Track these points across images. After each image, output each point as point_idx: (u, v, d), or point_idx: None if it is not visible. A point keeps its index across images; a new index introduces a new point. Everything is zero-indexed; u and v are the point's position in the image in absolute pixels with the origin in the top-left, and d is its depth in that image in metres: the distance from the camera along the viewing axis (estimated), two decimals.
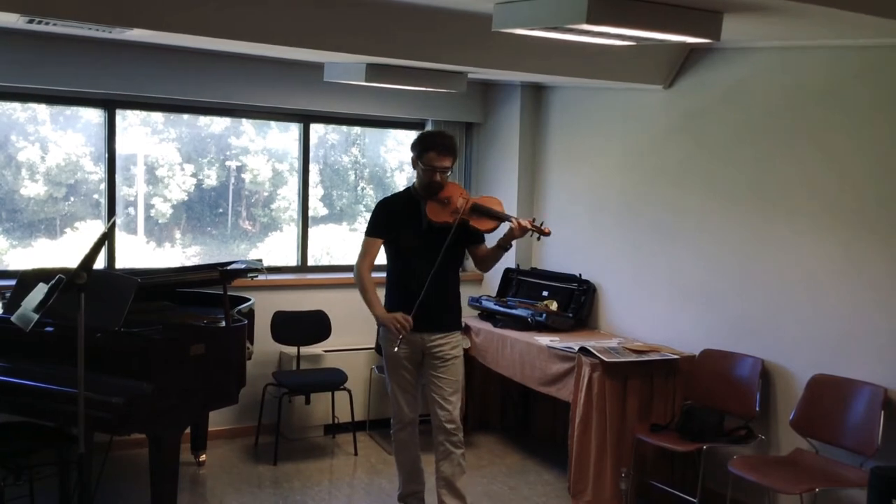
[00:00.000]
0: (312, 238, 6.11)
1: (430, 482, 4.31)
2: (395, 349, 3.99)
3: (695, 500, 4.32)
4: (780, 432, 4.33)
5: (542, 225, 3.99)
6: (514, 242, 4.03)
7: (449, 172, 4.05)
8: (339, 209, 6.40)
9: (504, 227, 4.03)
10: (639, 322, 5.25)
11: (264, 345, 5.48)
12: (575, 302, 5.57)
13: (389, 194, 4.39)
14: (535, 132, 6.11)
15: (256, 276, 4.84)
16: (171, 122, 5.78)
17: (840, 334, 4.06)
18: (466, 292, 6.01)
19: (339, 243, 6.36)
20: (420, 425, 4.27)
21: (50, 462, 3.96)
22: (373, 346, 5.77)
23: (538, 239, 4.07)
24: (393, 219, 4.07)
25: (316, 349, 5.71)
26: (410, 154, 4.08)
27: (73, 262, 3.23)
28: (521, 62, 4.65)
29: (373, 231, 4.11)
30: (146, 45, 4.91)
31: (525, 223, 3.93)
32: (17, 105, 5.26)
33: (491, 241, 4.17)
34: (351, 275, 6.02)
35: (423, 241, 4.01)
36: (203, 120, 5.86)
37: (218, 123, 5.91)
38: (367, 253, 4.11)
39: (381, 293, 4.13)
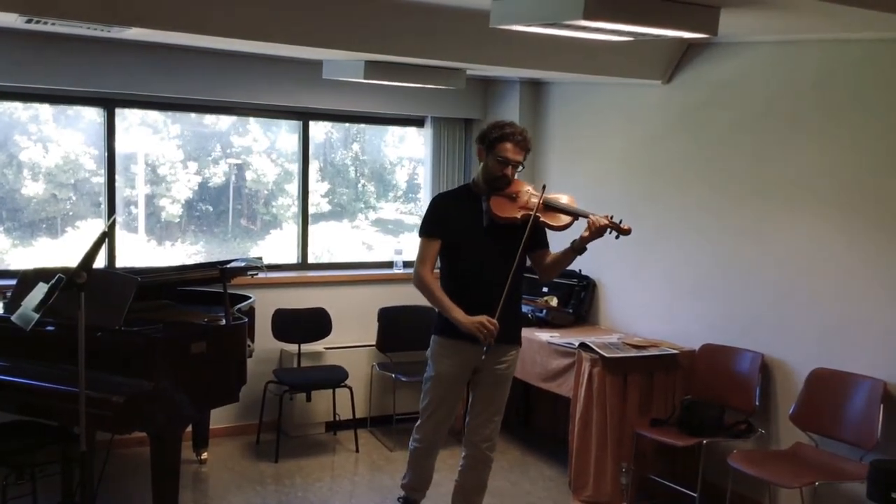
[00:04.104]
0: (314, 235, 6.12)
1: (437, 478, 4.31)
2: (483, 357, 3.59)
3: (695, 495, 4.33)
4: (779, 426, 4.34)
5: (620, 222, 3.56)
6: (588, 245, 3.61)
7: (521, 168, 3.72)
8: (339, 206, 6.41)
9: (574, 229, 3.68)
10: (639, 317, 5.25)
11: (265, 342, 5.49)
12: (575, 298, 5.58)
13: (445, 190, 3.93)
14: (534, 128, 6.10)
15: (257, 274, 4.85)
16: (171, 121, 5.79)
17: (839, 328, 4.06)
18: None
19: (340, 240, 6.37)
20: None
21: (52, 460, 3.97)
22: (373, 343, 5.78)
23: (617, 237, 3.58)
24: (450, 215, 3.70)
25: (317, 346, 5.72)
26: (477, 145, 3.75)
27: (73, 261, 3.24)
28: (520, 58, 4.64)
29: (429, 230, 3.71)
30: (144, 44, 4.91)
31: (603, 220, 3.53)
32: (18, 104, 5.27)
33: (555, 244, 3.87)
34: (351, 272, 6.13)
35: (483, 241, 3.67)
36: (204, 118, 5.86)
37: (220, 121, 5.92)
38: (425, 257, 3.68)
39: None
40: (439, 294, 3.66)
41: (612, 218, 3.58)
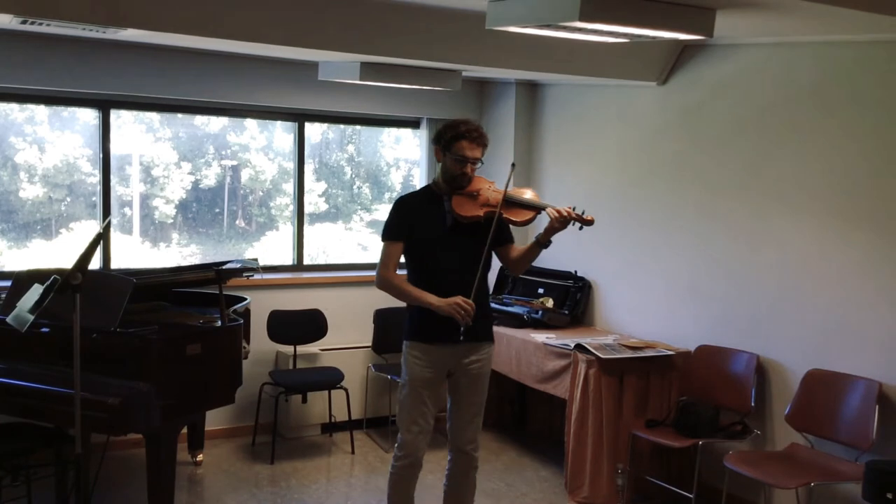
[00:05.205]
0: (309, 237, 6.12)
1: (431, 479, 4.31)
2: (461, 338, 3.52)
3: (691, 496, 4.33)
4: (775, 427, 4.35)
5: (583, 213, 3.54)
6: (553, 238, 3.59)
7: (480, 164, 3.66)
8: (335, 208, 6.40)
9: (540, 223, 3.65)
10: (634, 318, 5.26)
11: (261, 344, 5.49)
12: (571, 299, 5.58)
13: (406, 192, 3.91)
14: (530, 129, 6.11)
15: (252, 276, 4.84)
16: (166, 122, 5.78)
17: (835, 329, 4.07)
18: None
19: (335, 242, 6.36)
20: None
21: (47, 462, 3.96)
22: (369, 344, 5.78)
23: (580, 228, 3.58)
24: (413, 218, 3.65)
25: (312, 348, 5.72)
26: (434, 146, 3.68)
27: (68, 262, 3.23)
28: (515, 60, 4.65)
29: (391, 233, 3.65)
30: (140, 45, 4.90)
31: (565, 211, 3.51)
32: (14, 106, 5.26)
33: (521, 239, 3.85)
34: (346, 273, 6.11)
35: (448, 240, 3.62)
36: (199, 119, 5.86)
37: (215, 122, 5.92)
38: (388, 260, 3.64)
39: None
40: (407, 287, 3.63)
41: (574, 209, 3.56)
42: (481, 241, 3.57)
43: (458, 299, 3.49)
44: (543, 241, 3.60)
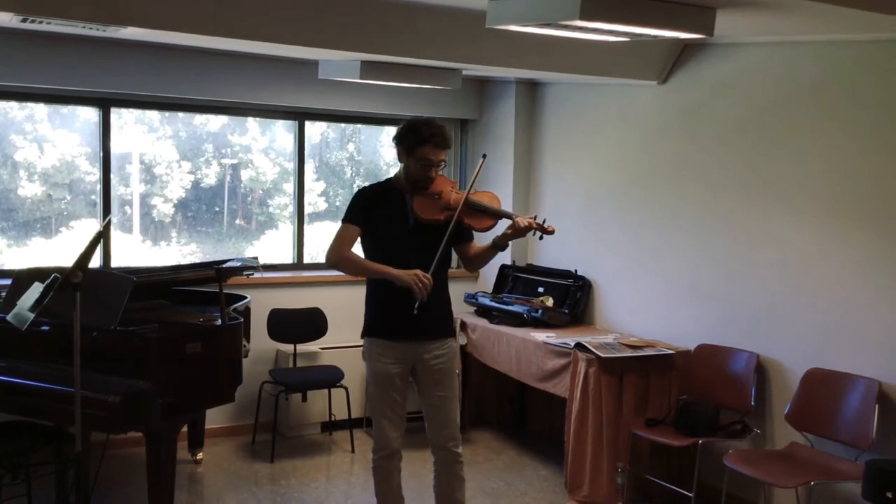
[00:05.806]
0: (309, 235, 6.12)
1: (428, 479, 4.30)
2: (415, 311, 3.47)
3: (691, 495, 4.33)
4: (775, 426, 4.35)
5: (544, 222, 3.63)
6: (510, 242, 3.68)
7: (443, 165, 3.68)
8: (335, 206, 6.40)
9: (502, 225, 3.70)
10: (634, 317, 5.26)
11: (261, 342, 5.49)
12: (571, 298, 5.58)
13: (368, 184, 3.90)
14: (530, 128, 6.11)
15: (252, 274, 4.84)
16: (166, 121, 5.78)
17: (834, 328, 4.07)
18: (463, 289, 6.03)
19: None
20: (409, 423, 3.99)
21: (47, 461, 3.96)
22: None
23: (540, 238, 3.70)
24: (375, 210, 3.63)
25: (312, 346, 5.72)
26: (396, 146, 3.65)
27: (68, 261, 3.23)
28: (516, 58, 4.65)
29: (352, 217, 3.63)
30: (140, 44, 4.90)
31: (526, 221, 3.58)
32: (14, 104, 5.26)
33: (480, 238, 3.88)
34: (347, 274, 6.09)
35: (409, 239, 3.62)
36: (199, 118, 5.86)
37: (215, 121, 5.92)
38: (342, 241, 3.63)
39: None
40: (365, 262, 3.63)
41: (535, 218, 3.63)
42: (440, 238, 3.59)
43: (418, 271, 3.49)
44: (501, 245, 3.66)
